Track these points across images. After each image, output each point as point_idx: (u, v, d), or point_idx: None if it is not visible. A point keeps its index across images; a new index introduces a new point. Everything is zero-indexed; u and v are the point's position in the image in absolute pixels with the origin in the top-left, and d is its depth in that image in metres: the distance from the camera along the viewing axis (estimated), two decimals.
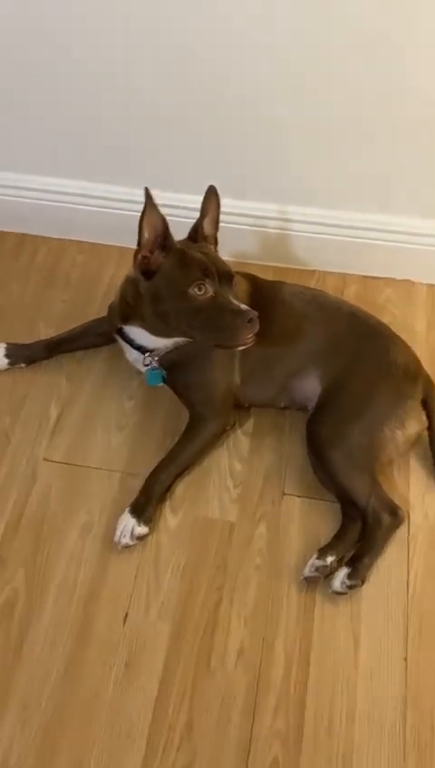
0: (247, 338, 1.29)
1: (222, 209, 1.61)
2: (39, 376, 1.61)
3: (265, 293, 1.49)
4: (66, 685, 1.22)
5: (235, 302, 1.29)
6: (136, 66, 1.51)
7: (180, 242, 1.35)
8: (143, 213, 1.28)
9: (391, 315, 1.72)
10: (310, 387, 1.45)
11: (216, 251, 1.41)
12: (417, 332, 1.69)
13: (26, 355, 1.61)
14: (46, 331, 1.68)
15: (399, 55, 1.40)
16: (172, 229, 1.33)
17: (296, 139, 1.58)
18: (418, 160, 1.58)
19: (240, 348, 1.32)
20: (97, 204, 1.81)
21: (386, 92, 1.46)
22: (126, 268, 1.78)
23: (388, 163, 1.59)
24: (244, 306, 1.28)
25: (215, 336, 1.32)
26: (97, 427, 1.54)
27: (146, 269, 1.32)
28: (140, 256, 1.31)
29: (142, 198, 1.72)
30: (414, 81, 1.44)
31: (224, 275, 1.32)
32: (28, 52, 1.54)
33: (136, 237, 1.81)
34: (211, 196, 1.38)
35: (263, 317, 1.44)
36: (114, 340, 1.61)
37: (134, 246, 1.83)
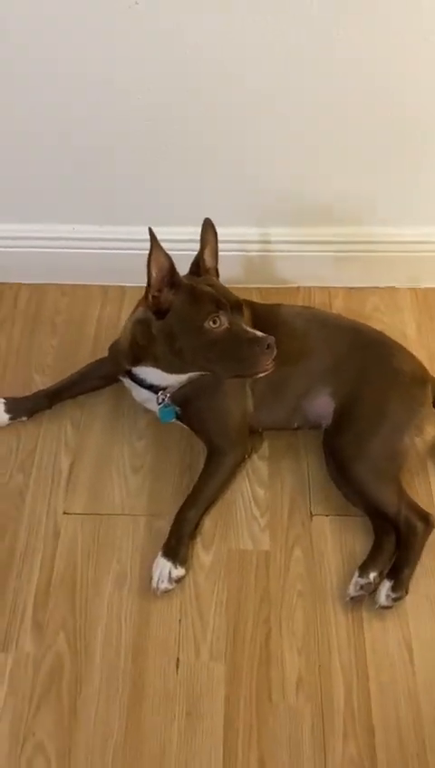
0: (267, 364, 1.29)
1: (195, 238, 1.61)
2: (43, 427, 1.57)
3: (265, 318, 1.49)
4: (129, 743, 1.19)
5: (250, 330, 1.30)
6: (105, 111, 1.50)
7: (184, 277, 1.34)
8: (150, 253, 1.26)
9: (381, 323, 1.75)
10: (323, 405, 1.46)
11: (218, 280, 1.41)
12: (408, 337, 1.72)
13: (28, 407, 1.56)
14: (42, 381, 1.64)
15: (377, 75, 1.44)
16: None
17: (274, 162, 1.60)
18: (397, 172, 1.62)
19: (261, 375, 1.31)
20: (73, 245, 1.78)
21: (367, 105, 1.49)
22: (111, 307, 1.82)
23: (369, 178, 1.63)
24: (260, 333, 1.29)
25: (234, 366, 1.31)
26: (112, 471, 1.51)
27: (157, 309, 1.31)
28: (150, 297, 1.30)
29: (120, 236, 1.73)
30: (395, 96, 1.48)
31: (234, 305, 1.32)
32: None
33: (116, 275, 1.84)
34: (208, 228, 1.39)
35: None
36: (115, 382, 1.59)
37: (116, 284, 1.86)
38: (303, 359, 1.47)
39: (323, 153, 1.59)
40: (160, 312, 1.31)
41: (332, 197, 1.67)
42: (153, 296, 1.29)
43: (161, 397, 1.43)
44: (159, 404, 1.44)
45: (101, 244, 1.79)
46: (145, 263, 1.27)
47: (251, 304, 1.53)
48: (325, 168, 1.62)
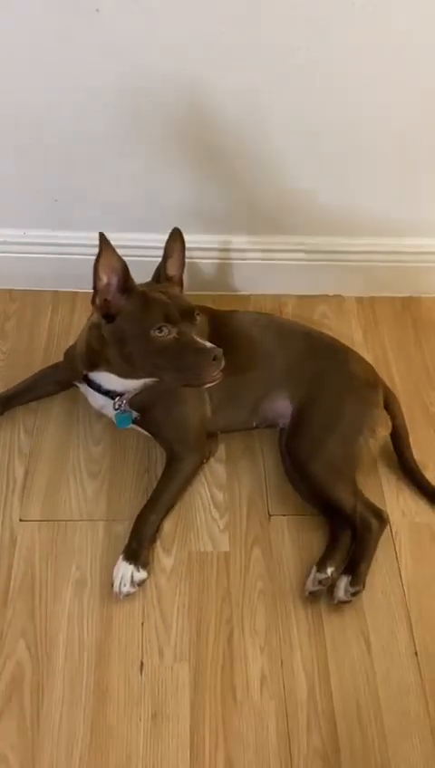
0: (214, 375, 1.30)
1: (152, 245, 1.63)
2: None
3: (223, 324, 1.52)
4: (95, 749, 1.17)
5: (199, 340, 1.30)
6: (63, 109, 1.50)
7: (144, 284, 1.35)
8: (98, 258, 1.27)
9: (328, 329, 1.80)
10: (280, 406, 1.50)
11: (181, 290, 1.43)
12: (356, 342, 1.79)
13: None
14: None
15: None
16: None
17: (231, 172, 1.63)
18: (341, 181, 1.68)
19: (208, 385, 1.33)
20: (24, 250, 1.76)
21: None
22: (63, 313, 1.81)
23: (322, 187, 1.69)
24: (208, 344, 1.29)
25: (181, 376, 1.32)
26: (69, 477, 1.49)
27: (106, 312, 1.32)
28: (98, 301, 1.31)
29: (73, 241, 1.72)
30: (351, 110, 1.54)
31: (186, 314, 1.32)
32: None
33: (68, 280, 1.82)
34: (175, 237, 1.41)
35: (225, 347, 1.48)
36: (69, 387, 1.58)
37: (67, 290, 1.85)
38: (260, 363, 1.51)
39: (278, 162, 1.63)
40: (109, 315, 1.31)
41: (287, 207, 1.72)
42: (103, 299, 1.30)
43: (118, 403, 1.43)
44: (116, 410, 1.44)
45: (53, 249, 1.77)
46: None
47: (209, 310, 1.56)
48: (279, 178, 1.66)
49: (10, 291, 1.82)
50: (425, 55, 1.43)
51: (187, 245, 1.56)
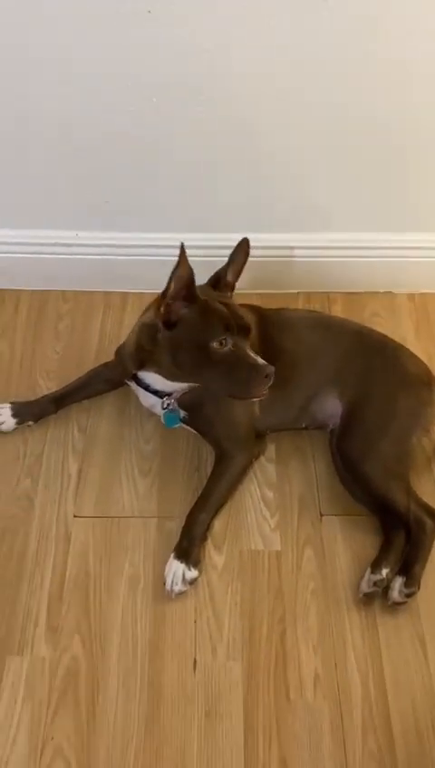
0: (263, 391, 1.31)
1: (202, 243, 1.63)
2: (50, 432, 1.57)
3: (271, 322, 1.52)
4: (149, 745, 1.18)
5: (253, 355, 1.30)
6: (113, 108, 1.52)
7: (200, 287, 1.35)
8: (176, 267, 1.26)
9: (380, 327, 1.76)
10: (330, 406, 1.49)
11: (231, 295, 1.43)
12: (408, 340, 1.75)
13: (34, 412, 1.56)
14: (47, 386, 1.64)
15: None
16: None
17: (285, 168, 1.63)
18: (392, 179, 1.66)
19: (254, 400, 1.34)
20: (76, 251, 1.79)
21: (367, 117, 1.53)
22: (114, 313, 1.83)
23: (365, 183, 1.67)
24: (261, 361, 1.30)
25: (231, 388, 1.33)
26: (121, 474, 1.51)
27: (167, 319, 1.32)
28: (163, 307, 1.30)
29: (123, 242, 1.74)
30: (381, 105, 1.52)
31: (242, 328, 1.32)
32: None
33: (119, 282, 1.85)
34: (241, 247, 1.41)
35: (273, 345, 1.48)
36: (121, 386, 1.60)
37: (118, 291, 1.87)
38: (309, 362, 1.50)
39: (323, 161, 1.63)
40: (170, 322, 1.31)
41: (332, 204, 1.71)
42: (167, 304, 1.30)
43: (166, 402, 1.44)
44: (164, 409, 1.45)
45: (103, 251, 1.79)
46: (169, 271, 1.26)
47: (258, 309, 1.55)
48: (325, 175, 1.65)
49: (63, 292, 1.85)
50: None
51: (231, 245, 1.56)
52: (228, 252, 1.45)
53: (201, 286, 1.37)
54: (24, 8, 1.34)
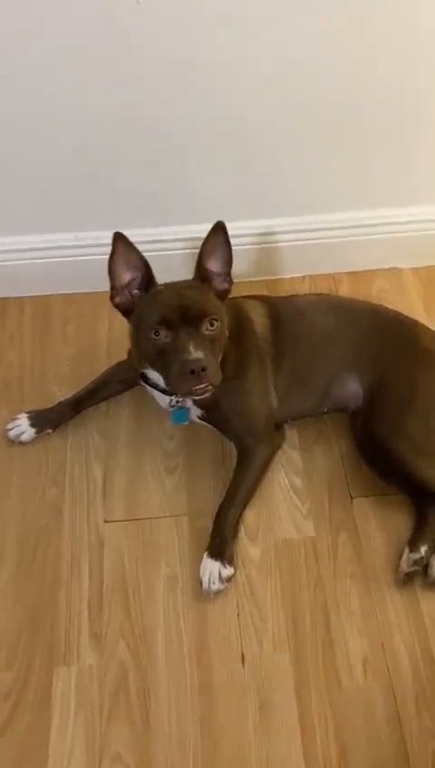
0: (194, 389, 1.23)
1: (196, 235, 1.60)
2: (70, 438, 1.55)
3: (284, 312, 1.50)
4: (207, 745, 1.18)
5: (188, 349, 1.22)
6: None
7: (173, 282, 1.35)
8: (111, 257, 1.30)
9: (389, 304, 1.75)
10: (350, 388, 1.48)
11: (229, 287, 1.38)
12: (418, 314, 1.74)
13: (52, 419, 1.54)
14: (61, 392, 1.62)
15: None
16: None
17: (281, 153, 1.61)
18: (391, 152, 1.64)
19: (191, 398, 1.30)
20: (76, 253, 1.76)
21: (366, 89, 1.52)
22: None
23: (363, 160, 1.65)
24: (193, 356, 1.21)
25: (169, 382, 1.29)
26: (147, 474, 1.50)
27: (124, 308, 1.33)
28: (118, 299, 1.33)
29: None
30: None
31: (191, 319, 1.25)
32: None
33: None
34: (217, 231, 1.34)
35: (288, 333, 1.46)
36: (135, 385, 1.58)
37: None
38: (325, 348, 1.48)
39: (315, 143, 1.61)
40: (127, 310, 1.33)
41: (329, 184, 1.69)
42: (120, 295, 1.32)
43: (174, 399, 1.41)
44: (172, 406, 1.43)
45: (104, 250, 1.76)
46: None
47: (268, 300, 1.54)
48: (318, 157, 1.63)
49: (66, 295, 1.82)
50: None
51: (235, 233, 1.55)
52: (239, 240, 1.43)
53: (181, 281, 1.36)
54: (8, 6, 1.31)
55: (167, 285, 1.34)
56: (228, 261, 1.37)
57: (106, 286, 1.80)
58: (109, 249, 1.73)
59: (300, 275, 1.86)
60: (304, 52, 1.43)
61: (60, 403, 1.56)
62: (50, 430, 1.54)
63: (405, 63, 1.48)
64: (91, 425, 1.58)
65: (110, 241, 1.71)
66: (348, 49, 1.44)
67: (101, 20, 1.34)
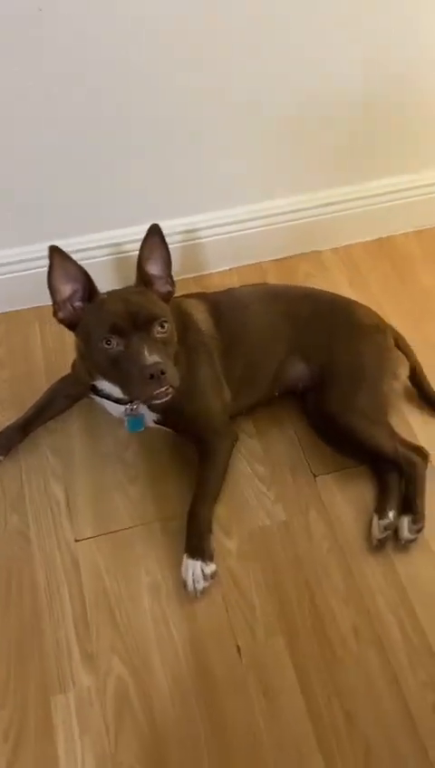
0: (156, 393, 1.22)
1: (126, 238, 1.59)
2: (23, 462, 1.51)
3: (223, 306, 1.51)
4: (219, 740, 1.18)
5: (144, 354, 1.21)
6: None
7: (117, 289, 1.34)
8: (50, 271, 1.26)
9: (316, 285, 1.80)
10: (297, 371, 1.51)
11: (172, 289, 1.38)
12: (343, 290, 1.79)
13: (2, 445, 1.49)
14: (5, 417, 1.56)
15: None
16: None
17: (195, 149, 1.62)
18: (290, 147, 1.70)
19: (152, 402, 1.26)
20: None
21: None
22: (51, 326, 1.74)
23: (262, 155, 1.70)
24: (150, 360, 1.20)
25: (128, 389, 1.27)
26: (110, 487, 1.48)
27: (69, 321, 1.31)
28: (61, 314, 1.30)
29: (43, 253, 1.66)
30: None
31: (141, 325, 1.24)
32: None
33: (46, 293, 1.77)
34: (148, 234, 1.34)
35: (232, 328, 1.48)
36: (81, 399, 1.55)
37: (48, 303, 1.79)
38: (269, 336, 1.51)
39: (214, 141, 1.63)
40: (72, 324, 1.31)
41: (241, 176, 1.72)
42: (54, 306, 1.30)
43: (129, 407, 1.39)
44: (127, 415, 1.41)
45: (22, 267, 1.72)
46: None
47: (205, 296, 1.55)
48: (223, 152, 1.65)
49: None
50: None
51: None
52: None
53: (123, 288, 1.35)
54: None
55: (110, 293, 1.32)
56: (168, 263, 1.37)
57: (32, 302, 1.79)
58: (29, 265, 1.72)
59: (227, 268, 1.88)
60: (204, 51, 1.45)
61: (7, 427, 1.51)
62: (1, 457, 1.49)
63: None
64: (43, 445, 1.53)
65: (31, 257, 1.70)
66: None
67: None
